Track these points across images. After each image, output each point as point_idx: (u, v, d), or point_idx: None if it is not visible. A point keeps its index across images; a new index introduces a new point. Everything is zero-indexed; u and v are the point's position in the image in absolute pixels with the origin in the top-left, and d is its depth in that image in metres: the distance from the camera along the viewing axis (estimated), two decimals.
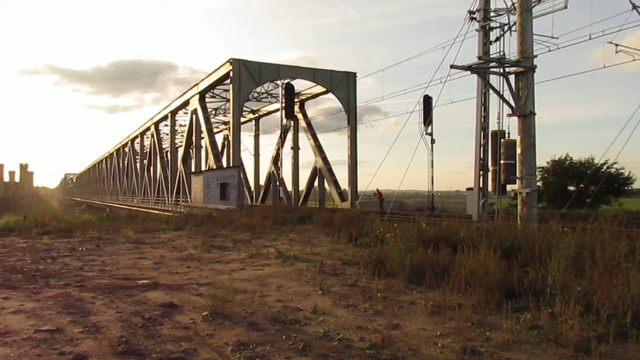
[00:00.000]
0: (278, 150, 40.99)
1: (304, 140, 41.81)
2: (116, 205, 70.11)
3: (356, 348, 5.03)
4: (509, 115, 16.22)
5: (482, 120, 18.44)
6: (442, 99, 48.73)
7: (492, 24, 18.03)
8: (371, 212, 22.98)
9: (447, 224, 10.94)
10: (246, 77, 34.69)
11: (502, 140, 16.56)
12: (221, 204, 31.40)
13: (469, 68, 16.67)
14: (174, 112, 49.52)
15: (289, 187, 42.52)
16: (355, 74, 38.56)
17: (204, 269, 9.85)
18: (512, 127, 16.48)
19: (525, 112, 15.74)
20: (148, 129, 59.42)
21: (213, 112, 50.09)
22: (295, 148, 43.03)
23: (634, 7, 15.59)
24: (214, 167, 37.33)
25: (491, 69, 16.76)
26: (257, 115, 51.58)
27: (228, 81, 35.69)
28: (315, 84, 38.57)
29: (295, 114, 39.53)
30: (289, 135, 41.69)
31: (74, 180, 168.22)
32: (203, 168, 42.92)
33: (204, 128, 39.19)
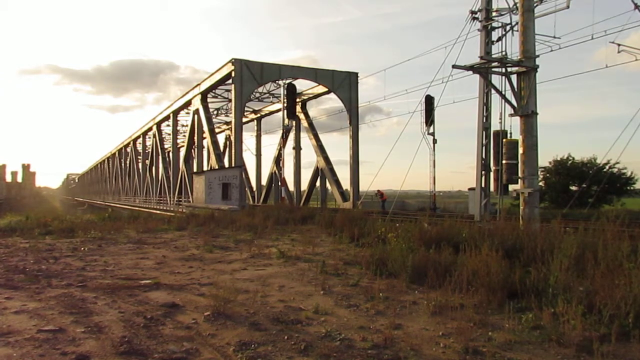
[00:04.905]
0: (280, 150, 41.03)
1: (306, 140, 41.92)
2: (118, 205, 70.22)
3: (358, 348, 5.03)
4: (511, 115, 16.18)
5: (484, 120, 18.41)
6: (444, 98, 48.56)
7: (494, 24, 17.99)
8: (373, 212, 22.98)
9: (449, 224, 10.94)
10: (248, 77, 34.75)
11: (504, 140, 16.53)
12: (223, 204, 31.42)
13: (470, 68, 16.64)
14: (176, 112, 49.61)
15: (291, 187, 42.59)
16: (357, 74, 38.59)
17: (206, 269, 9.86)
18: (514, 127, 16.47)
19: (527, 112, 15.71)
20: (150, 129, 59.53)
21: (215, 112, 50.18)
22: (297, 148, 43.06)
23: (636, 6, 15.55)
24: (216, 167, 37.38)
25: (493, 69, 16.73)
26: (258, 115, 51.64)
27: (230, 81, 35.77)
28: (317, 84, 38.61)
29: (297, 114, 39.58)
30: (291, 135, 41.77)
31: (76, 181, 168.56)
32: (205, 168, 42.99)
33: (205, 128, 39.25)
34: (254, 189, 51.71)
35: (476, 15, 18.28)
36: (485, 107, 18.45)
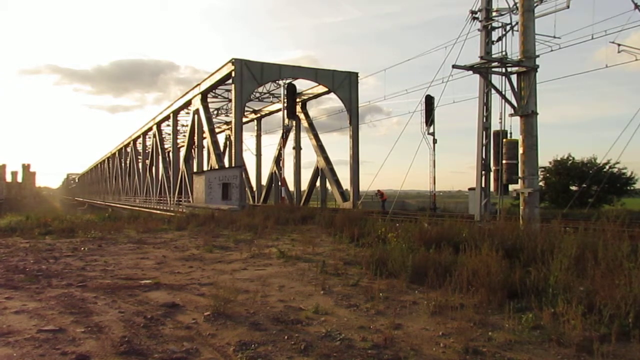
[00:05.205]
0: (280, 150, 41.04)
1: (306, 140, 41.92)
2: (118, 205, 70.25)
3: (358, 348, 5.03)
4: (511, 115, 16.18)
5: (484, 120, 18.41)
6: (444, 98, 48.91)
7: (494, 24, 17.99)
8: (373, 212, 22.96)
9: (449, 224, 10.94)
10: (248, 77, 34.75)
11: (504, 140, 16.53)
12: (223, 204, 31.43)
13: (471, 68, 16.64)
14: (176, 112, 49.61)
15: (291, 187, 42.58)
16: (357, 73, 38.57)
17: (206, 269, 9.86)
18: (514, 127, 16.47)
19: (527, 112, 15.71)
20: (150, 129, 59.55)
21: (215, 112, 50.18)
22: (297, 148, 43.05)
23: (637, 6, 15.55)
24: (216, 167, 37.39)
25: (493, 69, 16.72)
26: (259, 115, 51.64)
27: (230, 81, 35.76)
28: (317, 84, 38.60)
29: (297, 113, 39.58)
30: (291, 135, 41.77)
31: (76, 181, 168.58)
32: (205, 168, 42.98)
33: (206, 128, 39.26)
34: (254, 189, 51.71)
35: (476, 15, 18.27)
36: (485, 107, 18.45)
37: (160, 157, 56.16)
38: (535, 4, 15.88)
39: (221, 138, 54.88)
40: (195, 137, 43.18)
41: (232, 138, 37.82)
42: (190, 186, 41.13)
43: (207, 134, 39.42)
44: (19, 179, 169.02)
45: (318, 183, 41.16)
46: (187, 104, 44.90)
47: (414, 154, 25.15)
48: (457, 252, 8.40)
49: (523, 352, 4.91)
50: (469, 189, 25.73)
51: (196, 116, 41.93)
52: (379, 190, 34.95)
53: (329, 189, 40.52)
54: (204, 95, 40.64)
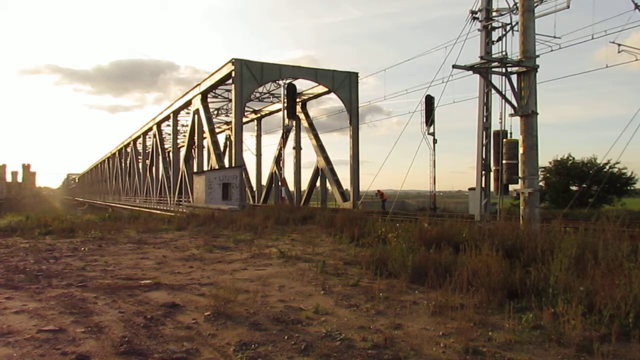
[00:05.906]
0: (280, 150, 41.05)
1: (306, 140, 41.93)
2: (118, 205, 70.27)
3: (358, 348, 5.03)
4: (511, 115, 16.19)
5: (485, 120, 18.42)
6: (444, 98, 49.13)
7: (494, 24, 18.00)
8: (373, 212, 22.95)
9: (449, 224, 10.93)
10: (248, 77, 34.76)
11: (504, 140, 16.53)
12: (223, 204, 31.44)
13: (471, 68, 16.64)
14: (176, 112, 49.64)
15: (291, 187, 42.59)
16: (357, 73, 38.59)
17: (206, 269, 9.86)
18: (514, 127, 16.48)
19: (527, 112, 15.72)
20: (150, 129, 59.58)
21: (215, 112, 50.20)
22: (297, 148, 43.06)
23: (637, 6, 15.54)
24: (216, 167, 37.40)
25: (493, 69, 16.72)
26: (259, 115, 51.66)
27: (230, 81, 35.78)
28: (317, 84, 38.61)
29: (297, 113, 39.59)
30: (291, 135, 41.77)
31: (76, 181, 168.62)
32: (205, 168, 42.99)
33: (206, 128, 39.26)
34: (254, 189, 51.71)
35: (476, 15, 18.29)
36: (485, 107, 18.46)
37: (160, 157, 56.20)
38: (535, 4, 15.88)
39: (221, 138, 54.93)
40: (195, 137, 43.19)
41: (232, 138, 37.85)
42: (190, 186, 41.13)
43: (207, 134, 39.43)
44: (19, 179, 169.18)
45: (318, 183, 41.16)
46: (187, 104, 44.92)
47: (414, 154, 25.20)
48: (457, 252, 8.40)
49: (523, 352, 4.91)
50: (469, 189, 25.75)
51: (196, 116, 41.95)
52: (379, 190, 34.97)
53: (329, 189, 40.53)
54: (204, 95, 40.65)
